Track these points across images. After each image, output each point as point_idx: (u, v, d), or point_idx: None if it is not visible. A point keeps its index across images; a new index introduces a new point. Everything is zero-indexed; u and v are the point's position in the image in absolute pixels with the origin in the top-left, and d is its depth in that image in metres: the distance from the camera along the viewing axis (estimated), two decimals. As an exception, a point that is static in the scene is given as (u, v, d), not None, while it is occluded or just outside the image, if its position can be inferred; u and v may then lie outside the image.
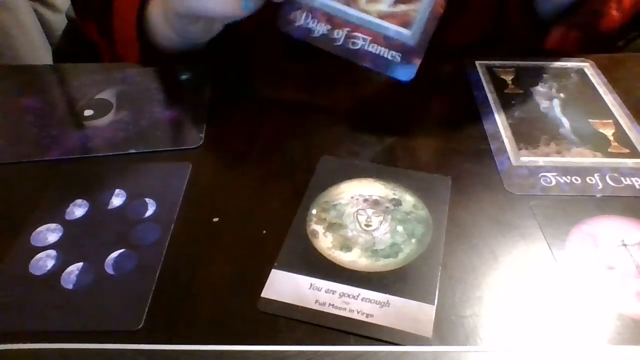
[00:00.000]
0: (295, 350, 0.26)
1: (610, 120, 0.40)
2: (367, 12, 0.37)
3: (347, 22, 0.36)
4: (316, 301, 0.28)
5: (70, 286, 0.29)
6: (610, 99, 0.42)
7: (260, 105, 0.42)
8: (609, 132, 0.39)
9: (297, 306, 0.28)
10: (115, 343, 0.27)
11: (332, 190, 0.34)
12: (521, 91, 0.43)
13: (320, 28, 0.36)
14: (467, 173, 0.36)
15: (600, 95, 0.43)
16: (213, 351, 0.26)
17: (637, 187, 0.35)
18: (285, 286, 0.29)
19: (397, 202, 0.33)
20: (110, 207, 0.34)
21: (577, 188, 0.35)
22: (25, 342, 0.27)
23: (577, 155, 0.37)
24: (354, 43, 0.36)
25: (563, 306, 0.28)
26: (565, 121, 0.40)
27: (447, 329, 0.27)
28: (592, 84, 0.44)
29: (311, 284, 0.29)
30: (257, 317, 0.28)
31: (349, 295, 0.28)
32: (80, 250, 0.31)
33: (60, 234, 0.32)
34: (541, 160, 0.37)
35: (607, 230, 0.32)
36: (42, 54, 0.69)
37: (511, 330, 0.27)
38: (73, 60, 0.60)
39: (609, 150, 0.37)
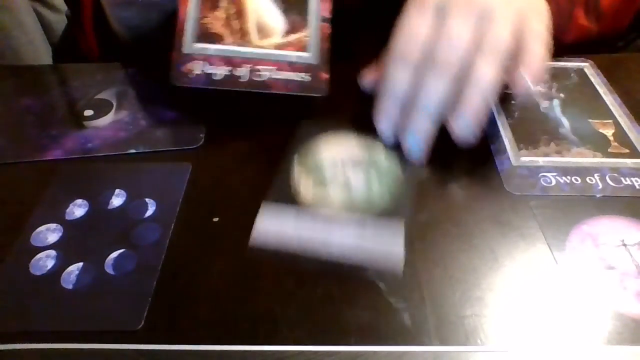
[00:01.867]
0: (295, 350, 0.26)
1: (610, 120, 0.40)
2: (262, 47, 0.38)
3: (247, 59, 0.38)
4: (304, 231, 0.30)
5: (70, 286, 0.29)
6: (610, 99, 0.42)
7: (260, 105, 0.42)
8: (609, 132, 0.39)
9: (288, 237, 0.30)
10: (115, 343, 0.27)
11: (312, 152, 0.36)
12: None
13: (221, 71, 0.37)
14: (467, 173, 0.36)
15: (600, 95, 0.43)
16: (213, 351, 0.26)
17: (637, 187, 0.35)
18: (273, 219, 0.31)
19: (375, 159, 0.35)
20: (110, 207, 0.34)
21: (577, 188, 0.35)
22: (25, 342, 0.27)
23: (577, 155, 0.37)
24: (260, 76, 0.37)
25: (563, 306, 0.28)
26: (565, 121, 0.40)
27: (447, 329, 0.27)
28: (592, 84, 0.44)
29: (296, 214, 0.31)
30: (257, 317, 0.28)
31: (331, 222, 0.31)
32: (80, 250, 0.31)
33: (60, 234, 0.32)
34: (541, 160, 0.37)
35: (607, 230, 0.32)
36: (42, 54, 0.69)
37: (511, 330, 0.27)
38: (73, 60, 0.60)
39: (609, 150, 0.37)
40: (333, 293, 0.29)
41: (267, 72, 0.37)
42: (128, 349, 0.26)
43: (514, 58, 0.35)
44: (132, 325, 0.27)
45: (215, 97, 0.42)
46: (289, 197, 0.33)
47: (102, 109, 0.42)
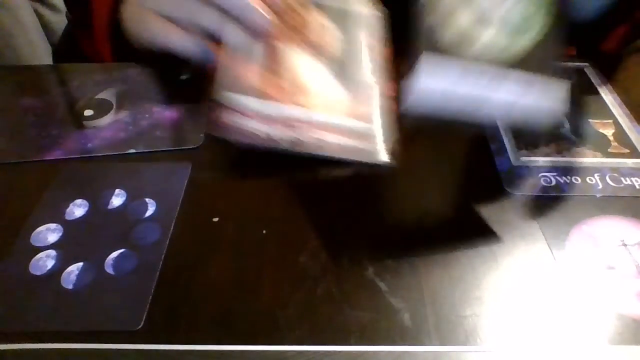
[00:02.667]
0: (295, 350, 0.26)
1: (610, 120, 0.40)
2: (302, 106, 0.36)
3: (287, 119, 0.36)
4: (472, 84, 0.28)
5: (70, 286, 0.29)
6: (610, 99, 0.42)
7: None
8: (609, 132, 0.39)
9: (455, 93, 0.28)
10: (115, 343, 0.27)
11: None
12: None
13: (261, 128, 0.36)
14: (467, 173, 0.36)
15: (600, 95, 0.43)
16: (213, 351, 0.26)
17: (637, 187, 0.35)
18: (438, 71, 0.28)
19: None
20: (110, 207, 0.34)
21: (577, 188, 0.35)
22: (25, 342, 0.27)
23: (577, 155, 0.37)
24: (320, 140, 0.36)
25: (563, 306, 0.28)
26: (565, 121, 0.40)
27: (447, 329, 0.27)
28: (592, 84, 0.44)
29: (463, 68, 0.29)
30: (257, 317, 0.28)
31: (497, 78, 0.29)
32: (80, 250, 0.31)
33: (60, 234, 0.32)
34: (541, 160, 0.37)
35: (607, 230, 0.32)
36: (42, 54, 0.69)
37: (511, 330, 0.27)
38: (73, 60, 0.60)
39: (609, 150, 0.37)
40: (333, 293, 0.29)
41: (329, 139, 0.36)
42: (128, 349, 0.26)
43: None
44: (132, 325, 0.27)
45: (215, 98, 0.42)
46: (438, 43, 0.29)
47: (102, 109, 0.42)
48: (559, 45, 0.30)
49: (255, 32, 0.39)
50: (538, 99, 0.29)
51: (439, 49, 0.29)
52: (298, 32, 0.39)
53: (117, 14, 0.47)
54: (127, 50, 0.47)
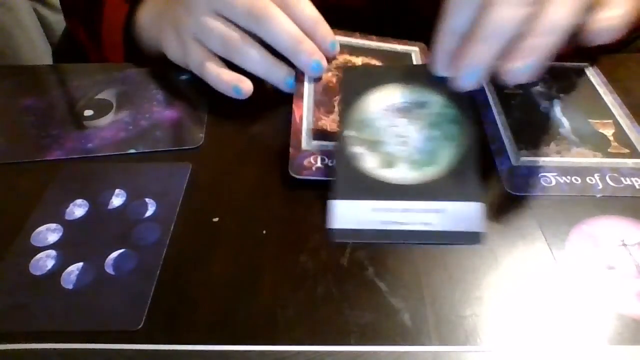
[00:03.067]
0: (295, 350, 0.26)
1: (610, 120, 0.40)
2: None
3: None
4: (381, 221, 0.30)
5: (70, 286, 0.29)
6: (610, 99, 0.42)
7: (261, 104, 0.42)
8: (609, 132, 0.39)
9: (365, 230, 0.30)
10: (115, 343, 0.27)
11: (361, 105, 0.35)
12: (521, 91, 0.43)
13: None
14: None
15: (600, 95, 0.43)
16: (213, 351, 0.26)
17: (637, 187, 0.35)
18: (348, 214, 0.31)
19: (428, 105, 0.34)
20: (110, 207, 0.34)
21: (577, 188, 0.35)
22: (25, 342, 0.27)
23: (577, 155, 0.37)
24: None
25: (563, 306, 0.28)
26: (565, 121, 0.40)
27: (447, 329, 0.27)
28: (592, 84, 0.44)
29: (372, 207, 0.31)
30: (257, 317, 0.28)
31: (408, 210, 0.31)
32: (80, 250, 0.31)
33: (60, 234, 0.32)
34: (541, 160, 0.37)
35: (607, 230, 0.32)
36: (42, 54, 0.69)
37: (511, 330, 0.27)
38: (73, 60, 0.60)
39: (609, 150, 0.37)
40: (333, 293, 0.29)
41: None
42: (128, 349, 0.26)
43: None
44: (132, 325, 0.27)
45: (216, 97, 0.42)
46: (352, 179, 0.32)
47: (102, 109, 0.42)
48: (472, 168, 0.32)
49: (326, 53, 0.41)
50: (453, 223, 0.30)
51: (354, 184, 0.32)
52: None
53: (130, 25, 0.48)
54: (139, 57, 0.48)
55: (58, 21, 0.71)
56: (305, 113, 0.39)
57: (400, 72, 0.37)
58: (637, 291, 0.29)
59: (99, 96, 0.44)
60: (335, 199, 0.31)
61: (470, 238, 0.30)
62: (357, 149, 0.33)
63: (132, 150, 0.38)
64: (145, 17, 0.47)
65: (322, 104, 0.39)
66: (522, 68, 0.30)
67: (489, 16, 0.30)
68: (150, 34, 0.47)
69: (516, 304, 0.28)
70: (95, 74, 0.46)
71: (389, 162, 0.32)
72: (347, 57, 0.43)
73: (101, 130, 0.40)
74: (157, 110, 0.42)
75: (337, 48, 0.43)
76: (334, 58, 0.43)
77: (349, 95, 0.36)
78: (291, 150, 0.36)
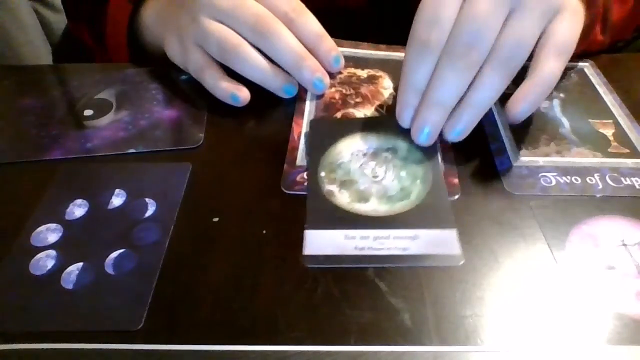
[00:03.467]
0: (295, 350, 0.26)
1: (610, 120, 0.40)
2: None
3: None
4: (355, 247, 0.31)
5: (70, 286, 0.29)
6: (610, 99, 0.42)
7: (261, 104, 0.42)
8: (609, 132, 0.39)
9: (340, 255, 0.30)
10: (115, 343, 0.27)
11: (331, 151, 0.36)
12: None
13: None
14: (467, 173, 0.36)
15: (600, 95, 0.43)
16: (213, 351, 0.26)
17: (637, 187, 0.35)
18: (322, 241, 0.31)
19: (393, 150, 0.36)
20: (110, 207, 0.34)
21: (577, 188, 0.35)
22: (25, 342, 0.27)
23: (577, 155, 0.37)
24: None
25: (563, 306, 0.28)
26: (565, 121, 0.40)
27: (447, 329, 0.27)
28: (592, 84, 0.44)
29: (345, 235, 0.31)
30: (257, 317, 0.28)
31: (381, 237, 0.31)
32: (80, 250, 0.31)
33: (60, 234, 0.32)
34: (541, 160, 0.37)
35: (607, 230, 0.32)
36: (42, 54, 0.69)
37: (511, 330, 0.27)
38: (73, 60, 0.60)
39: (609, 150, 0.37)
40: (333, 293, 0.29)
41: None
42: (128, 349, 0.26)
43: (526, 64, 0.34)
44: (132, 325, 0.27)
45: (216, 98, 0.42)
46: (325, 211, 0.33)
47: (102, 108, 0.42)
48: (443, 199, 0.33)
49: (330, 69, 0.42)
50: (429, 248, 0.30)
51: (327, 216, 0.32)
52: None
53: (133, 25, 0.48)
54: (143, 57, 0.48)
55: (58, 21, 0.71)
56: (304, 130, 0.39)
57: (365, 122, 0.39)
58: (637, 291, 0.29)
59: (99, 96, 0.44)
60: (308, 229, 0.32)
61: (449, 260, 0.30)
62: (330, 187, 0.34)
63: (132, 150, 0.38)
64: (149, 18, 0.47)
65: None
66: (456, 132, 0.35)
67: (436, 82, 0.34)
68: (154, 34, 0.47)
69: (516, 304, 0.28)
70: (95, 74, 0.46)
71: (363, 198, 0.33)
72: (352, 69, 0.43)
73: (101, 130, 0.40)
74: (157, 110, 0.42)
75: (342, 63, 0.43)
76: (339, 73, 0.43)
77: (316, 144, 0.37)
78: (285, 166, 0.36)
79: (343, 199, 0.33)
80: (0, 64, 0.64)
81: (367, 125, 0.38)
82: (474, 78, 0.34)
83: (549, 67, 0.34)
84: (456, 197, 0.34)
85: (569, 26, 0.35)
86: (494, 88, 0.34)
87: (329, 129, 0.38)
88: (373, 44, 0.46)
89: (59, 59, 0.70)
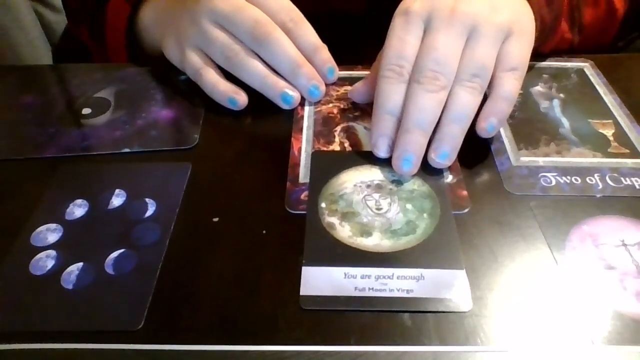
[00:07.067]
0: (295, 350, 0.26)
1: (610, 120, 0.40)
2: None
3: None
4: (355, 288, 0.29)
5: (70, 286, 0.29)
6: (610, 99, 0.42)
7: (261, 104, 0.42)
8: (609, 132, 0.39)
9: (339, 297, 0.28)
10: (115, 343, 0.27)
11: (333, 182, 0.35)
12: (521, 91, 0.43)
13: None
14: (467, 173, 0.36)
15: (600, 95, 0.43)
16: (213, 351, 0.26)
17: (637, 187, 0.35)
18: (320, 280, 0.29)
19: (399, 183, 0.35)
20: (110, 207, 0.34)
21: (577, 188, 0.35)
22: (25, 342, 0.27)
23: (577, 156, 0.37)
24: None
25: (563, 306, 0.28)
26: (565, 121, 0.40)
27: (447, 329, 0.27)
28: (592, 84, 0.44)
29: (345, 273, 0.29)
30: (257, 317, 0.28)
31: (384, 277, 0.29)
32: (80, 250, 0.31)
33: (60, 234, 0.32)
34: (541, 160, 0.37)
35: (607, 230, 0.32)
36: (42, 54, 0.69)
37: (511, 330, 0.27)
38: (73, 60, 0.60)
39: (609, 150, 0.37)
40: (333, 293, 0.29)
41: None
42: (128, 349, 0.26)
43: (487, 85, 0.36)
44: (132, 325, 0.27)
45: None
46: (324, 246, 0.31)
47: (100, 107, 0.42)
48: (451, 237, 0.31)
49: (324, 79, 0.42)
50: (435, 291, 0.28)
51: (326, 251, 0.31)
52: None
53: (132, 26, 0.48)
54: (143, 58, 0.48)
55: (58, 21, 0.71)
56: (304, 145, 0.38)
57: (369, 154, 0.36)
58: (637, 291, 0.29)
59: (98, 95, 0.44)
60: (305, 265, 0.30)
61: (457, 305, 0.28)
62: (331, 219, 0.32)
63: (127, 150, 0.38)
64: (148, 19, 0.47)
65: (322, 134, 0.39)
66: (440, 155, 0.35)
67: (410, 106, 0.34)
68: (152, 35, 0.47)
69: (516, 304, 0.28)
70: (94, 73, 0.47)
71: (365, 231, 0.32)
72: (348, 87, 0.43)
73: (98, 129, 0.40)
74: (154, 110, 0.42)
75: (336, 75, 0.43)
76: (336, 90, 0.43)
77: (318, 176, 0.35)
78: (288, 184, 0.35)
79: (344, 232, 0.31)
80: (0, 64, 0.64)
81: (371, 157, 0.36)
82: (447, 99, 0.35)
83: (507, 84, 0.36)
84: (466, 210, 0.33)
85: (519, 45, 0.37)
86: (468, 102, 0.35)
87: (332, 161, 0.37)
88: (368, 66, 0.46)
89: (59, 59, 0.70)
